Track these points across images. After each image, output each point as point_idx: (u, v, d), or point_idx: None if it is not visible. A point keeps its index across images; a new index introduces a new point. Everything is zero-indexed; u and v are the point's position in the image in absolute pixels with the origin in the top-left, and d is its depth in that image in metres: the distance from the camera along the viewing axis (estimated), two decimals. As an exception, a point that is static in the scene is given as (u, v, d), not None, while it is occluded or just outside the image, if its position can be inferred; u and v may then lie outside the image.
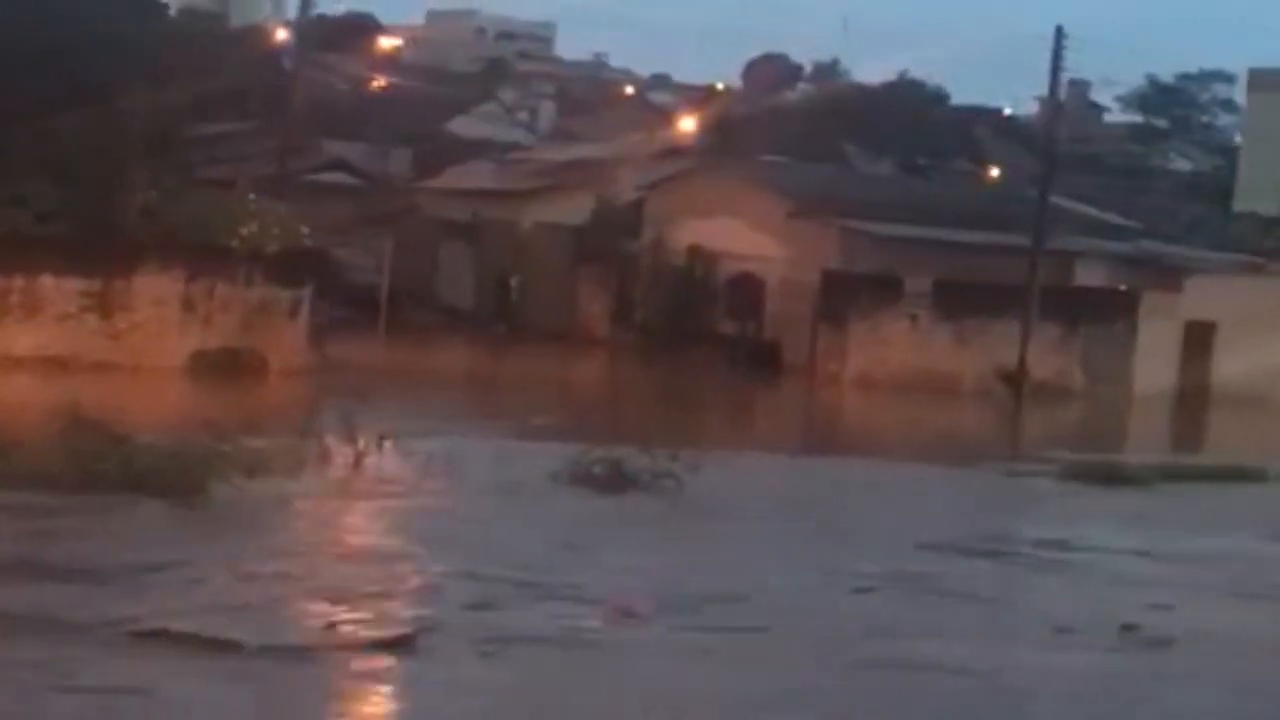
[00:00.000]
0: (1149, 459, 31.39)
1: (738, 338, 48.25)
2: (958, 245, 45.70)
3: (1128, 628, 15.48)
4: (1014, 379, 44.09)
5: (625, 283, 50.83)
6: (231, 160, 66.03)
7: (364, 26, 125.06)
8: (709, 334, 48.57)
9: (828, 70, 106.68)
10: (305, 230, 37.44)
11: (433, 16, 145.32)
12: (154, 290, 34.02)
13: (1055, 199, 50.40)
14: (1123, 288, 47.37)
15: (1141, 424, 43.66)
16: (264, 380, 34.69)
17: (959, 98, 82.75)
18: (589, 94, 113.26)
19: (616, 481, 23.96)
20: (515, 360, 46.50)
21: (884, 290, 45.12)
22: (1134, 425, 43.75)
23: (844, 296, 45.34)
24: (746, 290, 48.48)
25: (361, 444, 24.00)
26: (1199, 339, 47.76)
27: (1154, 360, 46.97)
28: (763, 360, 46.53)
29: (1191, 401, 46.78)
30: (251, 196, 38.79)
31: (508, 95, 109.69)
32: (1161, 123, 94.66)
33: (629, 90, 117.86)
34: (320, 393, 34.65)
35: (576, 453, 24.45)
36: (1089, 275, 48.69)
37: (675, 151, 57.28)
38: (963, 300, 45.04)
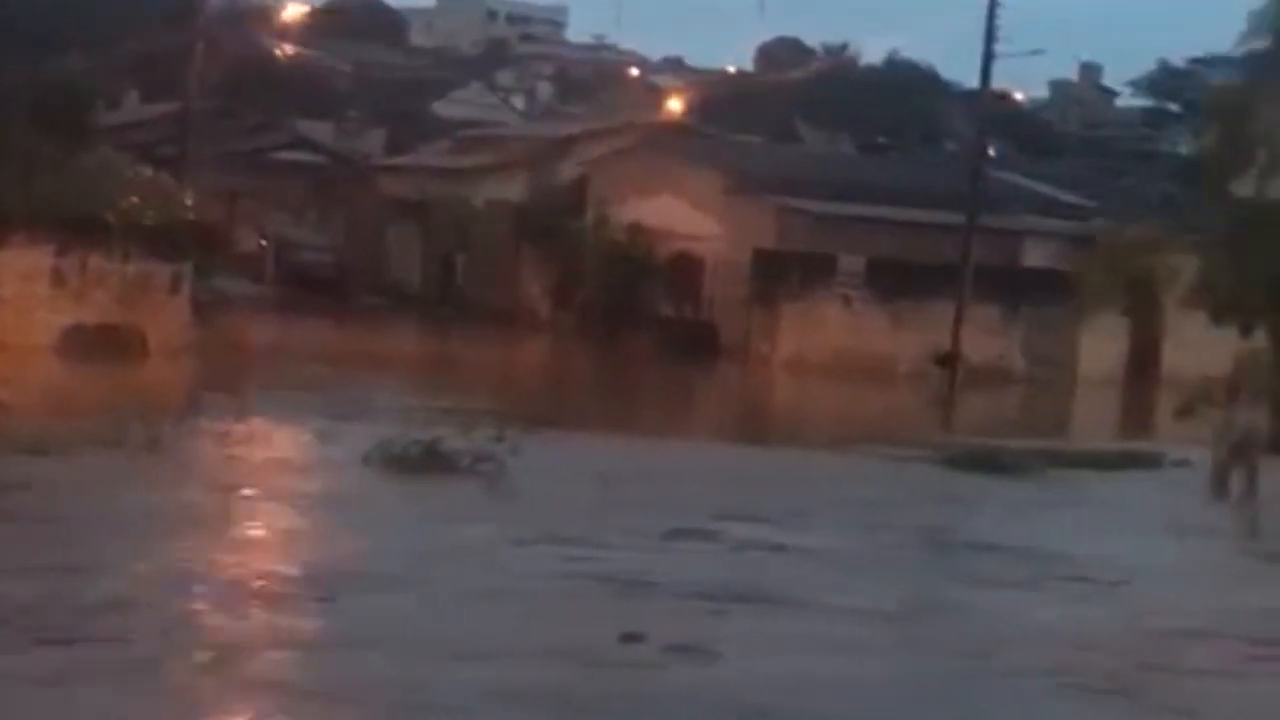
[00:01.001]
0: (1042, 445, 30.02)
1: (674, 319, 47.04)
2: (900, 224, 44.32)
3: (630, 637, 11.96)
4: (947, 362, 42.69)
5: (567, 263, 49.61)
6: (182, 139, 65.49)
7: (375, 10, 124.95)
8: (648, 315, 47.37)
9: (837, 52, 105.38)
10: (188, 202, 36.21)
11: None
12: (20, 264, 32.86)
13: (1014, 179, 49.08)
14: (1068, 268, 45.83)
15: (1073, 409, 42.28)
16: (140, 359, 33.54)
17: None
18: (591, 77, 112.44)
19: (431, 463, 22.81)
20: (440, 341, 45.42)
21: (816, 270, 43.76)
22: (1064, 410, 42.34)
23: (775, 277, 44.03)
24: (685, 270, 47.28)
25: (170, 426, 22.96)
26: (1147, 322, 46.30)
27: (1101, 343, 45.52)
28: (699, 343, 45.28)
29: (1138, 386, 45.32)
30: (148, 170, 37.52)
31: (506, 77, 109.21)
32: (1174, 106, 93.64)
33: (634, 73, 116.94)
34: (189, 374, 33.73)
35: (393, 434, 23.29)
36: (1039, 256, 47.23)
37: (633, 128, 56.09)
38: (898, 280, 43.65)
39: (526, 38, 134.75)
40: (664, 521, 15.78)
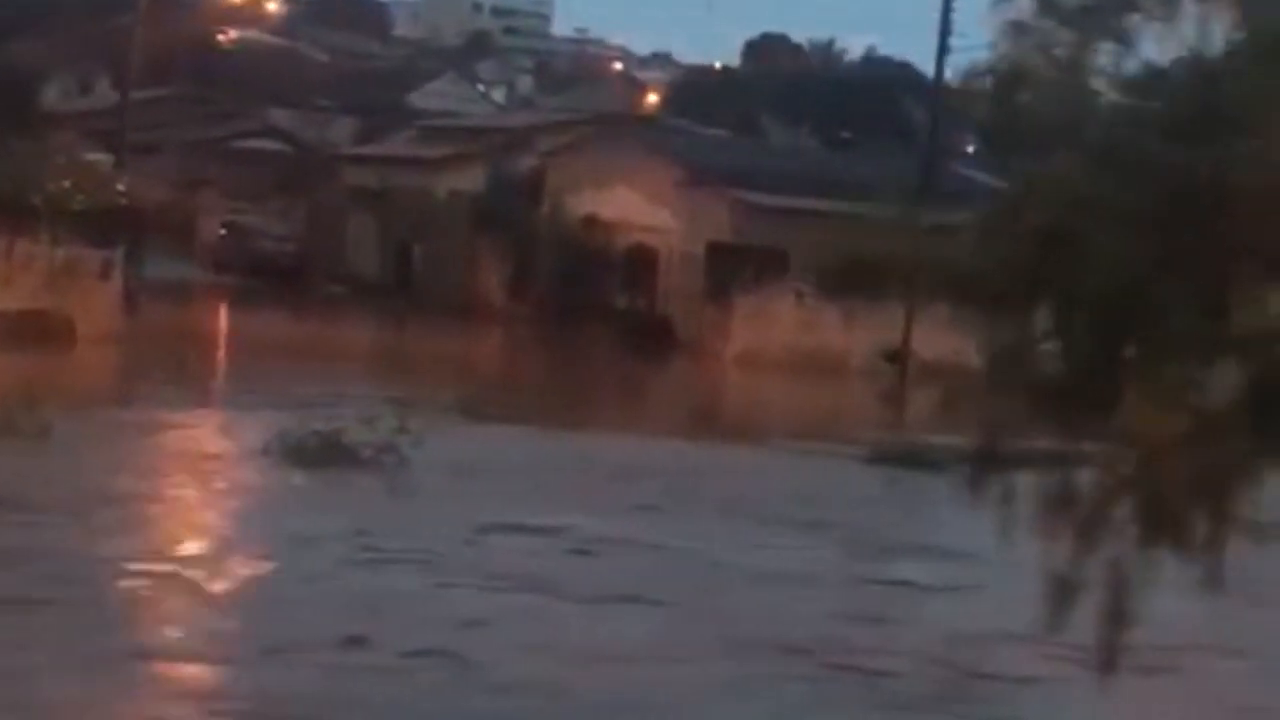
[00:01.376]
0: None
1: (629, 312, 46.49)
2: (856, 218, 43.58)
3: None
4: (896, 358, 42.02)
5: (523, 255, 49.01)
6: (155, 127, 65.13)
7: (358, 1, 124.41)
8: (603, 308, 46.78)
9: (823, 49, 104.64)
10: (121, 188, 35.65)
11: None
12: (-58, 248, 32.35)
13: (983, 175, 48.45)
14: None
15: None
16: (66, 346, 32.98)
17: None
18: (572, 70, 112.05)
19: (332, 455, 22.33)
20: (385, 332, 44.82)
21: (769, 265, 43.17)
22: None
23: (728, 271, 43.45)
24: (640, 263, 46.69)
25: (69, 414, 22.55)
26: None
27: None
28: (653, 336, 44.66)
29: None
30: (85, 155, 36.99)
31: (487, 69, 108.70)
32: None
33: (617, 66, 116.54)
34: (113, 361, 33.22)
35: (294, 424, 22.81)
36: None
37: (598, 120, 55.55)
38: (850, 274, 42.96)
39: (510, 30, 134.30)
40: (496, 515, 15.37)
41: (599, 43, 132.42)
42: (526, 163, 50.56)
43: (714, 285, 43.57)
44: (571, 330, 45.73)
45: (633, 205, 46.49)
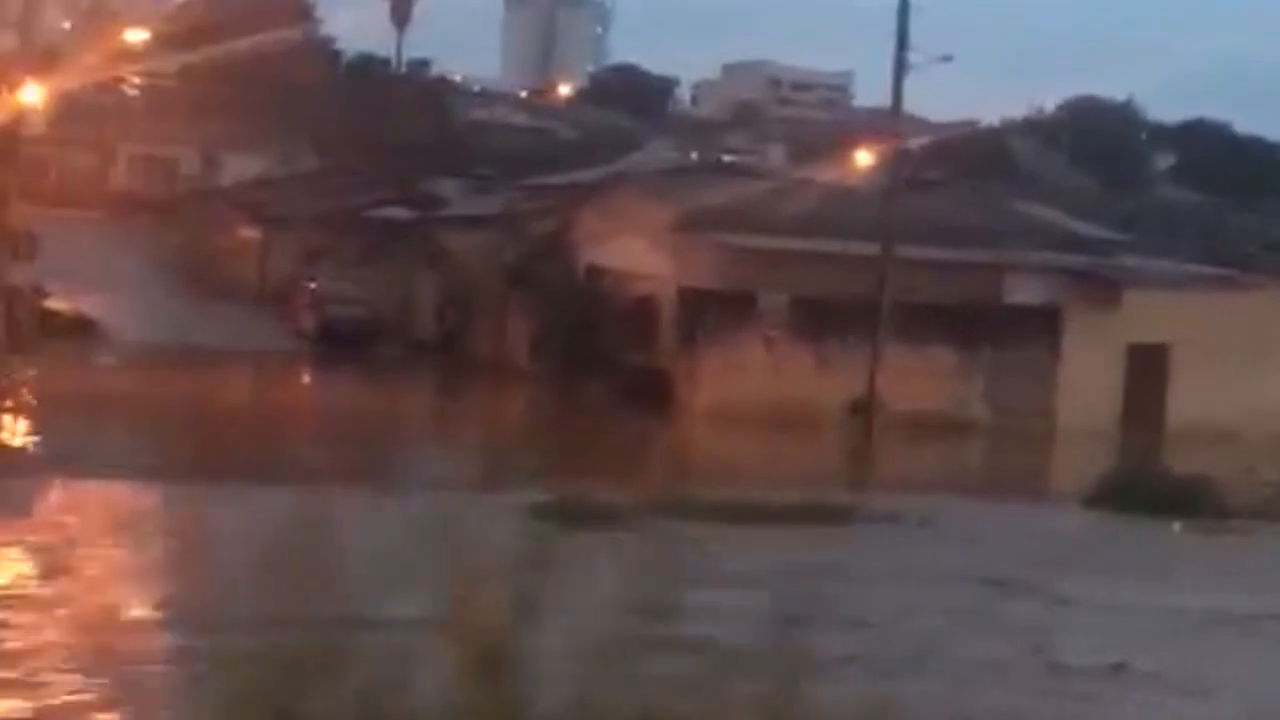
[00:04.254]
0: (726, 494, 25.99)
1: (632, 366, 43.67)
2: (836, 257, 40.15)
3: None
4: (859, 408, 38.29)
5: (544, 310, 46.73)
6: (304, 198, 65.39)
7: (635, 80, 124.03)
8: (613, 364, 44.07)
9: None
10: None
11: (728, 69, 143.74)
12: None
13: (1020, 206, 44.50)
14: (1038, 305, 41.02)
15: (1002, 461, 37.48)
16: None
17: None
18: (828, 137, 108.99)
19: None
20: (391, 400, 42.86)
21: (738, 310, 39.93)
22: (995, 462, 37.60)
23: (698, 318, 40.38)
24: (645, 313, 43.86)
25: None
26: (1149, 364, 41.02)
27: (1086, 389, 40.44)
28: (652, 391, 41.62)
29: (1133, 436, 40.08)
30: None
31: (738, 140, 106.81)
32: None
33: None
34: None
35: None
36: (1031, 293, 42.24)
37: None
38: (824, 319, 39.47)
39: (785, 102, 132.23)
40: None
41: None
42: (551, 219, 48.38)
43: (685, 334, 40.54)
44: (582, 386, 43.30)
45: (637, 254, 43.83)
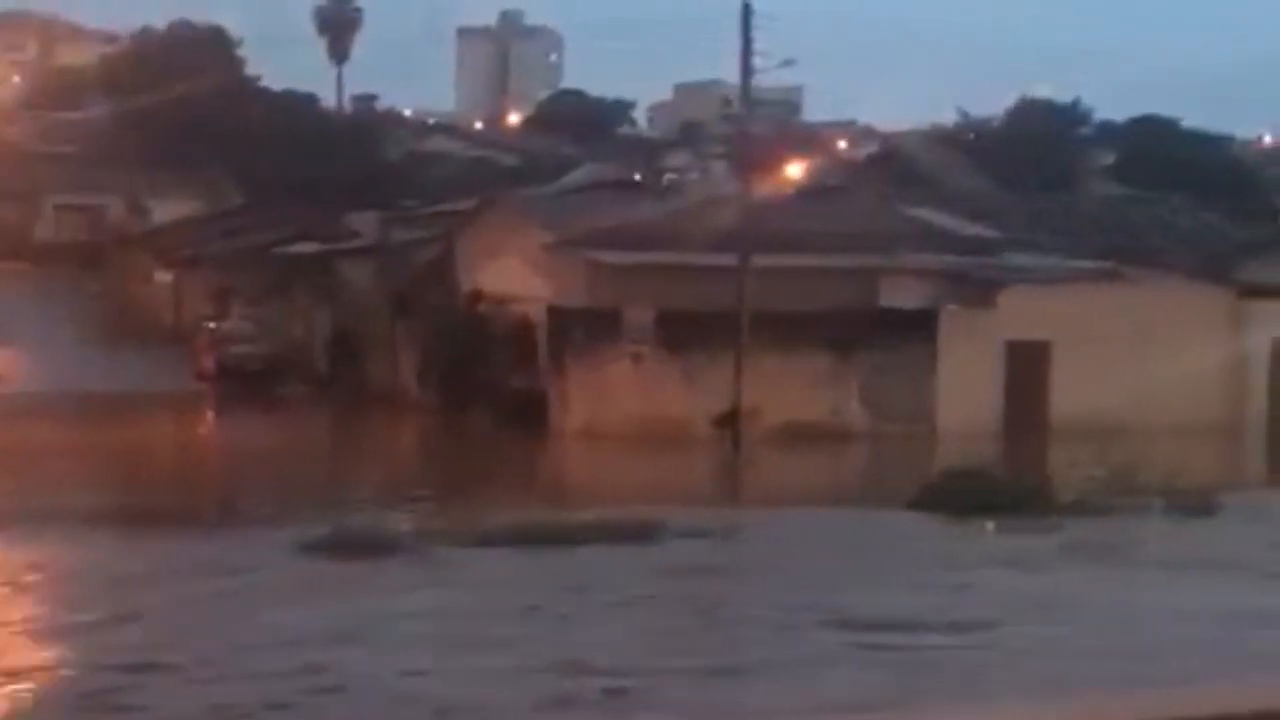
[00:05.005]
0: (521, 516, 25.35)
1: (514, 389, 42.96)
2: (712, 270, 39.41)
3: None
4: (725, 422, 37.58)
5: (428, 338, 46.04)
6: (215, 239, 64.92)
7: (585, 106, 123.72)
8: (495, 388, 43.37)
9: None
10: None
11: (680, 90, 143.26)
12: None
13: (907, 211, 43.88)
14: (912, 307, 40.28)
15: (864, 469, 36.77)
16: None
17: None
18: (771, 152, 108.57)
19: None
20: (259, 432, 42.13)
21: (605, 327, 39.21)
22: (856, 470, 36.89)
23: (566, 337, 39.70)
24: (522, 336, 43.16)
25: None
26: (1029, 362, 40.31)
27: (966, 390, 39.73)
28: (527, 413, 40.92)
29: (1015, 436, 39.38)
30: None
31: (680, 159, 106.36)
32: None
33: (842, 144, 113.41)
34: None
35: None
36: (911, 296, 41.48)
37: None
38: (691, 333, 38.74)
39: (730, 119, 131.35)
40: None
41: (850, 124, 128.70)
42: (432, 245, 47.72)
43: (554, 355, 39.86)
44: (461, 416, 42.67)
45: (517, 276, 43.18)
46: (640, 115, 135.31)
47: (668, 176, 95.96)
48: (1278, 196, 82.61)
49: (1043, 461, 37.96)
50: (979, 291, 40.19)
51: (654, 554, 21.98)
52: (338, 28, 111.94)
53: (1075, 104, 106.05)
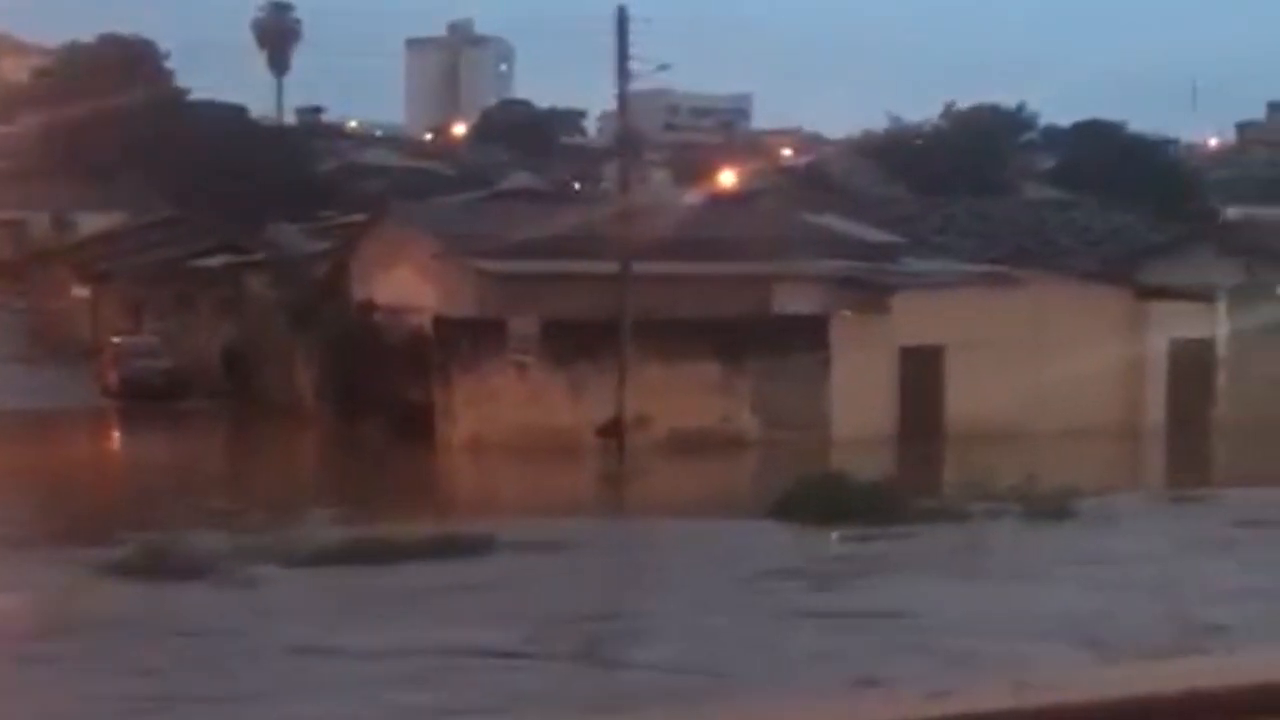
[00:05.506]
0: (355, 531, 24.78)
1: (398, 401, 42.23)
2: (598, 279, 38.73)
3: None
4: (609, 432, 36.95)
5: (323, 349, 45.31)
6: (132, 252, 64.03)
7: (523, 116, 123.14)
8: (388, 400, 42.63)
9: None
10: None
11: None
12: None
13: (805, 218, 43.30)
14: (806, 313, 39.69)
15: (744, 476, 36.17)
16: None
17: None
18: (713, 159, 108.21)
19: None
20: (148, 449, 41.46)
21: (490, 337, 38.53)
22: (736, 478, 36.29)
23: (453, 347, 39.02)
24: (414, 346, 42.40)
25: None
26: (923, 367, 39.74)
27: (859, 396, 39.12)
28: (416, 425, 40.16)
29: (910, 443, 38.84)
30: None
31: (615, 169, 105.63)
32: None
33: (786, 151, 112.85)
34: None
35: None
36: (804, 302, 40.84)
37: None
38: (577, 342, 38.08)
39: (673, 128, 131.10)
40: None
41: (795, 132, 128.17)
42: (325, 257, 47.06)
43: (441, 365, 39.18)
44: (353, 428, 41.97)
45: (408, 285, 42.48)
46: (591, 124, 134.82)
47: (603, 185, 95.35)
48: (1213, 198, 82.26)
49: (936, 467, 37.50)
50: (871, 297, 39.63)
51: (469, 569, 21.38)
52: (277, 39, 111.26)
53: (1020, 108, 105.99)
